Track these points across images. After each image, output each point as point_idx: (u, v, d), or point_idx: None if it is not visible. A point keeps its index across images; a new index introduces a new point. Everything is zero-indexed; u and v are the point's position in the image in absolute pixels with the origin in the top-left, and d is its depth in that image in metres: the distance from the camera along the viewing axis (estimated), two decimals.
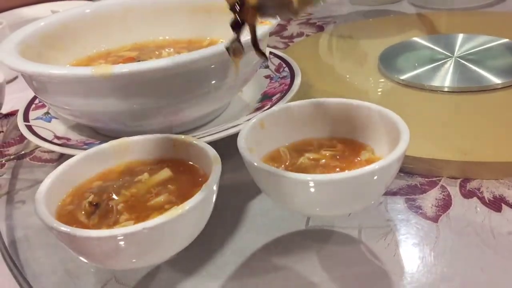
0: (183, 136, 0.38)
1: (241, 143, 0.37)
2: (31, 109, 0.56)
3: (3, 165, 0.55)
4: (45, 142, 0.47)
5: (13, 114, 0.67)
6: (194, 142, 0.37)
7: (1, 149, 0.59)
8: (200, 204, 0.31)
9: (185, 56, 0.43)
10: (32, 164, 0.55)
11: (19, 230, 0.44)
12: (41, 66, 0.43)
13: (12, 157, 0.56)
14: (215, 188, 0.34)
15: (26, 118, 0.53)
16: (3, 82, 0.66)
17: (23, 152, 0.56)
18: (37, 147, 0.53)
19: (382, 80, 0.63)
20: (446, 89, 0.58)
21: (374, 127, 0.39)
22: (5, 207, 0.48)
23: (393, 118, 0.37)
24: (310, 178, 0.33)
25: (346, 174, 0.34)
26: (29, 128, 0.51)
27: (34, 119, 0.53)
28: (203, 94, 0.46)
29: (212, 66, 0.45)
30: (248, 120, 0.42)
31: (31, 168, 0.55)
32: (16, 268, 0.38)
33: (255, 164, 0.34)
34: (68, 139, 0.49)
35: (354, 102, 0.40)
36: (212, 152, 0.36)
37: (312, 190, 0.33)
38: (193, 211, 0.31)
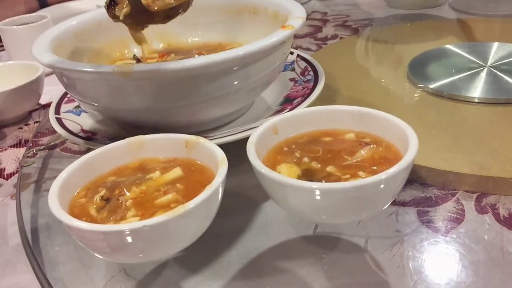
0: (194, 137, 0.39)
1: (250, 148, 0.37)
2: (63, 102, 0.58)
3: (35, 154, 0.58)
4: (71, 135, 0.49)
5: (50, 105, 0.70)
6: (204, 143, 0.38)
7: (35, 139, 0.62)
8: (201, 205, 0.32)
9: (205, 58, 0.43)
10: (62, 154, 0.58)
11: (42, 218, 0.47)
12: (66, 62, 0.45)
13: (42, 147, 0.58)
14: (220, 190, 0.34)
15: (57, 110, 0.56)
16: (42, 74, 0.70)
17: (52, 143, 0.59)
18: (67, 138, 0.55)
19: (410, 87, 0.62)
20: (476, 100, 0.56)
21: (385, 135, 0.39)
22: (32, 195, 0.50)
23: (402, 126, 0.37)
24: (315, 186, 0.33)
25: (352, 183, 0.33)
26: (59, 120, 0.53)
27: (65, 112, 0.56)
28: (222, 96, 0.47)
29: (235, 68, 0.46)
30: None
31: (60, 158, 0.57)
32: (33, 256, 0.40)
33: (262, 170, 0.35)
34: (94, 133, 0.51)
35: (365, 110, 0.40)
36: (220, 153, 0.36)
37: (318, 198, 0.33)
38: (194, 211, 0.32)
